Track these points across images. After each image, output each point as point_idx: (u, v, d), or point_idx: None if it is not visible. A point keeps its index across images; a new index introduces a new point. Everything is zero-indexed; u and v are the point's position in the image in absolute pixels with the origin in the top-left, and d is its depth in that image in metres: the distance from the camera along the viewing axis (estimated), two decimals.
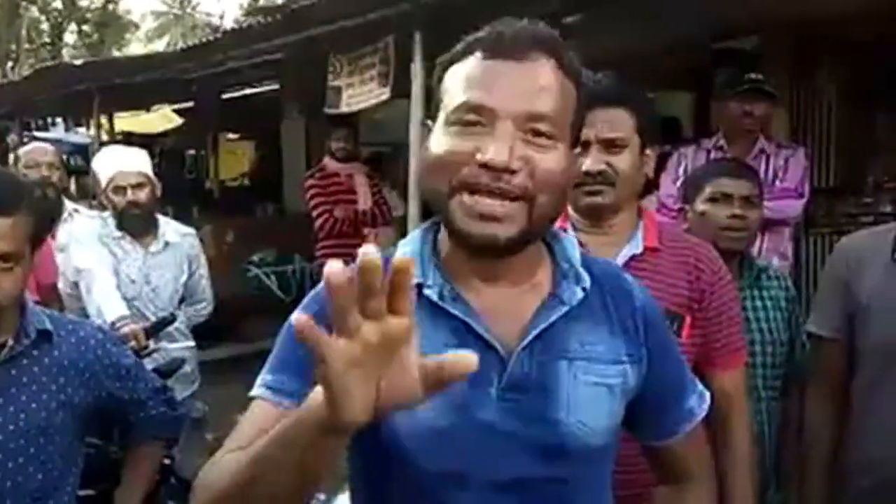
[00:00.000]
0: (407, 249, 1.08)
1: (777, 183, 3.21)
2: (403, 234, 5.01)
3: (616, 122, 1.56)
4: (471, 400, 1.01)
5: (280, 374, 1.03)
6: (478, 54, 1.00)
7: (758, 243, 2.86)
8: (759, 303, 2.09)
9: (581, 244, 1.59)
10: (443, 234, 1.08)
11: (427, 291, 1.03)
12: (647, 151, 1.63)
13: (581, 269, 1.08)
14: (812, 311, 2.00)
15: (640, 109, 1.59)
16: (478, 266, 1.05)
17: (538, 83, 0.98)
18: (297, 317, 0.71)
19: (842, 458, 1.84)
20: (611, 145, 1.56)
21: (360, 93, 4.57)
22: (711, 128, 3.78)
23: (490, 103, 0.97)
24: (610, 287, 1.11)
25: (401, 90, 4.14)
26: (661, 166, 3.24)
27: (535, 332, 1.03)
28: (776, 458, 2.10)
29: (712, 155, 3.28)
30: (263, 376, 1.05)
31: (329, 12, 4.30)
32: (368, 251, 0.70)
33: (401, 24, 4.02)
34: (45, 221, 1.94)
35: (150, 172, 3.12)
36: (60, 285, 3.35)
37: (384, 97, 4.39)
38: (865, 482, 1.77)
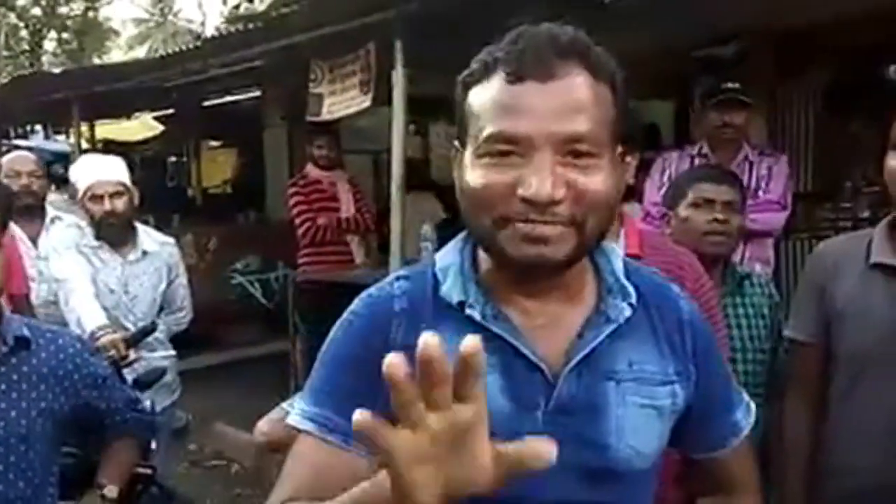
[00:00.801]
0: (446, 263, 1.05)
1: (761, 193, 3.25)
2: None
3: None
4: (516, 423, 0.97)
5: (325, 409, 0.99)
6: (500, 75, 0.93)
7: (741, 251, 2.90)
8: (741, 310, 2.11)
9: None
10: (481, 250, 1.04)
11: (469, 311, 1.00)
12: (629, 159, 1.64)
13: (626, 283, 1.04)
14: (790, 316, 2.02)
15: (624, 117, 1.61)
16: (522, 284, 1.01)
17: (571, 101, 0.92)
18: (390, 362, 0.67)
19: (819, 464, 1.86)
20: None
21: (341, 100, 4.56)
22: (691, 136, 3.82)
23: (524, 131, 0.91)
24: (655, 300, 1.07)
25: (382, 98, 4.14)
26: (643, 173, 3.28)
27: (582, 353, 0.99)
28: (759, 462, 2.11)
29: (696, 162, 3.32)
30: (307, 407, 1.01)
31: (310, 20, 4.29)
32: (428, 341, 0.66)
33: (382, 32, 4.02)
34: (5, 210, 1.95)
35: (127, 181, 3.10)
36: (44, 293, 3.33)
37: (365, 105, 4.38)
38: (839, 488, 1.79)
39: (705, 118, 3.36)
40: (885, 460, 1.71)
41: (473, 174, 0.95)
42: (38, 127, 9.99)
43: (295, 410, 1.02)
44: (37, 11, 24.01)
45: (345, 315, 1.06)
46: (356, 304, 1.06)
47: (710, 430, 1.13)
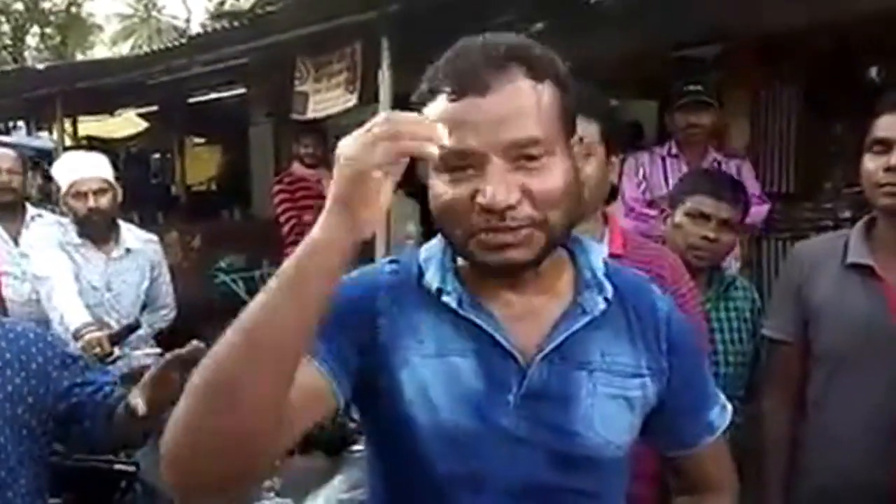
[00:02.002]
0: (429, 254, 1.10)
1: None
2: None
3: (581, 131, 1.59)
4: (489, 405, 1.02)
5: (328, 350, 1.01)
6: (443, 95, 0.98)
7: None
8: (723, 314, 2.13)
9: None
10: None
11: (446, 298, 1.04)
12: (613, 159, 1.66)
13: (604, 279, 1.08)
14: (768, 315, 2.05)
15: (605, 118, 1.61)
16: (499, 279, 1.05)
17: (512, 109, 0.95)
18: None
19: (797, 463, 1.88)
20: None
21: (326, 99, 4.56)
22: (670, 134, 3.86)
23: (471, 145, 0.95)
24: (633, 298, 1.11)
25: (369, 96, 4.14)
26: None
27: (555, 342, 1.04)
28: (737, 463, 2.13)
29: (667, 162, 3.39)
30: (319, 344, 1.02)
31: (295, 18, 4.29)
32: None
33: (368, 31, 4.03)
34: None
35: (111, 178, 3.10)
36: (26, 292, 3.32)
37: (351, 103, 4.39)
38: (816, 487, 1.82)
39: (672, 120, 3.41)
40: (862, 459, 1.74)
41: (439, 189, 1.00)
42: (21, 123, 9.89)
43: None
44: (19, 6, 23.78)
45: (345, 286, 1.07)
46: (352, 273, 1.09)
47: (684, 428, 1.16)
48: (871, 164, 1.76)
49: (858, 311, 1.75)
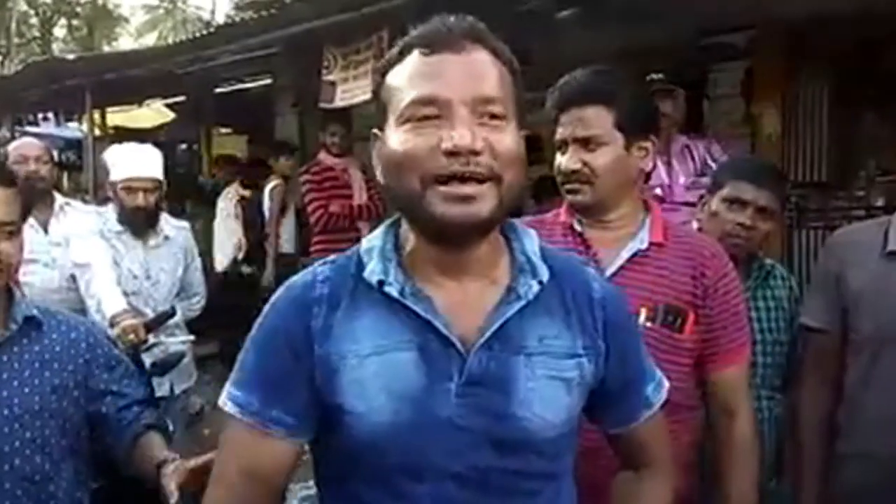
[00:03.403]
0: (370, 245, 1.11)
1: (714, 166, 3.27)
2: None
3: (590, 120, 1.56)
4: (430, 395, 1.04)
5: (250, 394, 1.07)
6: (416, 53, 1.03)
7: None
8: (762, 303, 2.10)
9: (585, 240, 1.61)
10: (405, 231, 1.10)
11: (388, 288, 1.06)
12: (644, 145, 1.62)
13: (539, 263, 1.10)
14: (805, 303, 2.02)
15: (621, 105, 1.57)
16: (442, 260, 1.07)
17: (480, 69, 1.02)
18: None
19: (835, 450, 1.86)
20: (586, 144, 1.56)
21: (354, 87, 4.56)
22: (704, 125, 3.84)
23: (443, 94, 1.00)
24: (569, 280, 1.13)
25: None
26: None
27: (492, 329, 1.05)
28: (778, 453, 2.11)
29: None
30: (234, 391, 1.09)
31: (322, 6, 4.29)
32: None
33: (394, 18, 4.02)
34: (29, 200, 1.97)
35: (161, 176, 3.14)
36: (56, 280, 3.36)
37: None
38: (856, 474, 1.80)
39: None
40: None
41: (397, 140, 1.02)
42: (50, 114, 10.00)
43: (224, 393, 1.10)
44: None
45: (270, 303, 1.12)
46: (279, 292, 1.12)
47: (623, 404, 1.20)
48: None
49: None
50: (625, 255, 1.57)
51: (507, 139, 1.02)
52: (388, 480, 1.05)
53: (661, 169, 3.37)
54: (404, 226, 1.10)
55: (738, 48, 4.42)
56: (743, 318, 1.65)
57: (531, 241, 1.13)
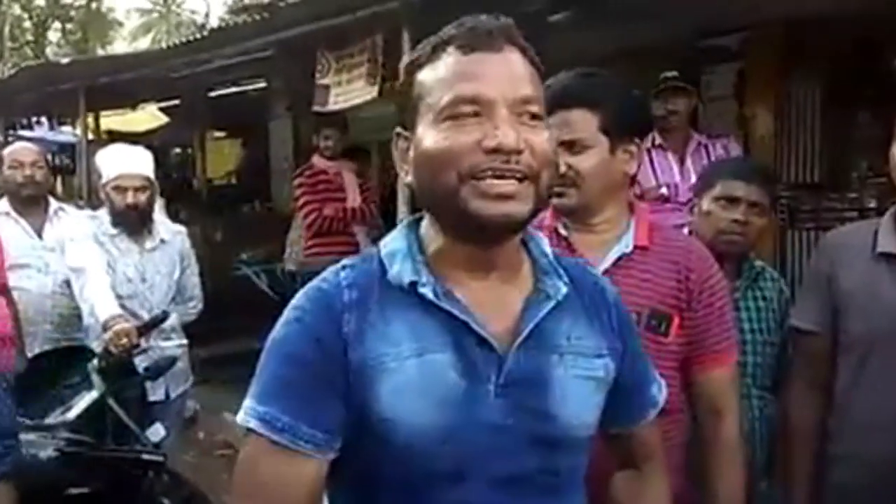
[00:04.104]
0: (393, 248, 1.09)
1: None
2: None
3: (575, 123, 1.56)
4: (470, 396, 1.02)
5: (274, 408, 1.00)
6: (453, 50, 1.03)
7: None
8: (752, 303, 2.11)
9: (570, 244, 1.61)
10: (426, 231, 1.09)
11: (422, 289, 1.03)
12: (629, 148, 1.62)
13: (558, 265, 1.12)
14: (796, 305, 2.03)
15: (606, 107, 1.57)
16: (470, 259, 1.05)
17: (519, 69, 1.03)
18: None
19: (825, 452, 1.87)
20: (571, 147, 1.56)
21: (348, 91, 4.56)
22: (699, 126, 3.85)
23: (486, 93, 1.00)
24: (584, 284, 1.15)
25: (389, 89, 4.15)
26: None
27: (529, 327, 1.05)
28: (769, 454, 2.11)
29: (652, 153, 3.38)
30: (256, 406, 1.01)
31: (316, 10, 4.29)
32: None
33: (389, 22, 4.02)
34: None
35: (152, 176, 3.15)
36: (50, 284, 3.36)
37: (372, 95, 4.39)
38: (845, 476, 1.80)
39: (652, 109, 3.42)
40: (892, 450, 1.71)
41: (436, 138, 1.01)
42: (44, 118, 9.98)
43: (244, 408, 1.03)
44: (41, 2, 23.99)
45: (291, 310, 1.06)
46: (303, 298, 1.07)
47: (633, 403, 1.22)
48: None
49: (889, 299, 1.73)
50: (609, 259, 1.57)
51: (545, 140, 1.03)
52: (423, 488, 1.02)
53: (674, 167, 3.38)
54: (424, 227, 1.09)
55: (730, 50, 4.43)
56: (729, 321, 1.65)
57: (546, 245, 1.14)
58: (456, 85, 1.01)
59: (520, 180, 0.99)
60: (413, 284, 1.03)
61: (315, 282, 1.09)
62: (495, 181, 0.99)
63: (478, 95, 1.00)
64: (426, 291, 1.03)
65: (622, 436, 1.24)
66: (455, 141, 0.99)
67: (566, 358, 1.08)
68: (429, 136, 1.02)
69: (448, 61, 1.03)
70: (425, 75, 1.04)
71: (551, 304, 1.07)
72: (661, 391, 1.25)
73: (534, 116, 1.02)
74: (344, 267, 1.09)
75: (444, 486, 1.02)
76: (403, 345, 1.01)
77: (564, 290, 1.09)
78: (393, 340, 1.02)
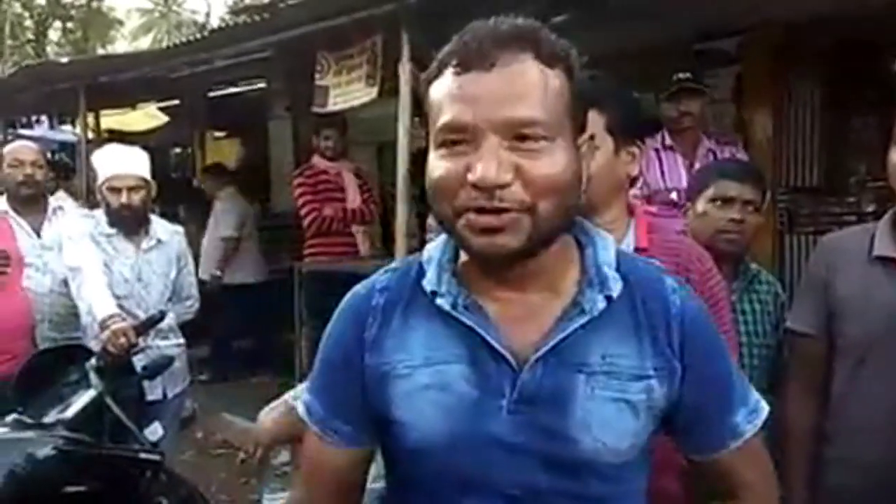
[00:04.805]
0: (430, 255, 1.09)
1: None
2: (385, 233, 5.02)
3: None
4: (480, 410, 1.01)
5: (319, 403, 1.13)
6: (449, 70, 0.97)
7: None
8: (748, 306, 2.13)
9: None
10: None
11: (440, 301, 1.03)
12: (632, 150, 1.64)
13: (610, 275, 1.04)
14: (792, 308, 2.03)
15: (611, 109, 1.58)
16: (495, 273, 1.03)
17: (514, 86, 0.94)
18: None
19: (821, 455, 1.87)
20: None
21: (347, 92, 4.56)
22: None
23: (468, 119, 0.94)
24: (644, 294, 1.05)
25: (389, 90, 4.15)
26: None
27: (550, 344, 1.00)
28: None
29: (662, 154, 3.36)
30: (309, 398, 1.14)
31: (315, 11, 4.29)
32: None
33: (388, 24, 4.02)
34: None
35: (147, 175, 3.16)
36: (48, 283, 3.36)
37: (371, 97, 4.39)
38: (841, 479, 1.81)
39: (662, 110, 3.39)
40: (885, 453, 1.72)
41: (433, 165, 0.99)
42: (44, 117, 9.98)
43: (301, 398, 1.15)
44: (41, 1, 23.98)
45: (338, 309, 1.14)
46: (346, 299, 1.14)
47: (707, 431, 1.10)
48: None
49: (884, 303, 1.74)
50: None
51: (546, 165, 0.94)
52: (436, 493, 1.04)
53: (682, 170, 3.35)
54: None
55: (728, 54, 4.43)
56: (728, 322, 1.65)
57: (606, 250, 1.06)
58: (446, 110, 0.96)
59: (509, 212, 0.94)
60: (434, 294, 1.04)
61: (360, 283, 1.14)
62: (479, 217, 0.95)
63: (463, 123, 0.95)
64: (443, 303, 1.03)
65: (707, 464, 1.12)
66: (446, 171, 0.97)
67: (595, 378, 1.01)
68: (430, 160, 1.00)
69: (444, 82, 0.98)
70: (433, 91, 1.00)
71: (583, 319, 1.01)
72: (751, 419, 1.11)
73: (530, 138, 0.94)
74: (387, 270, 1.12)
75: (455, 496, 1.03)
76: (417, 352, 1.03)
77: (601, 305, 1.02)
78: (408, 347, 1.04)
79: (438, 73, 1.00)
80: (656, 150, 3.36)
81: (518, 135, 0.94)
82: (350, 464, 1.13)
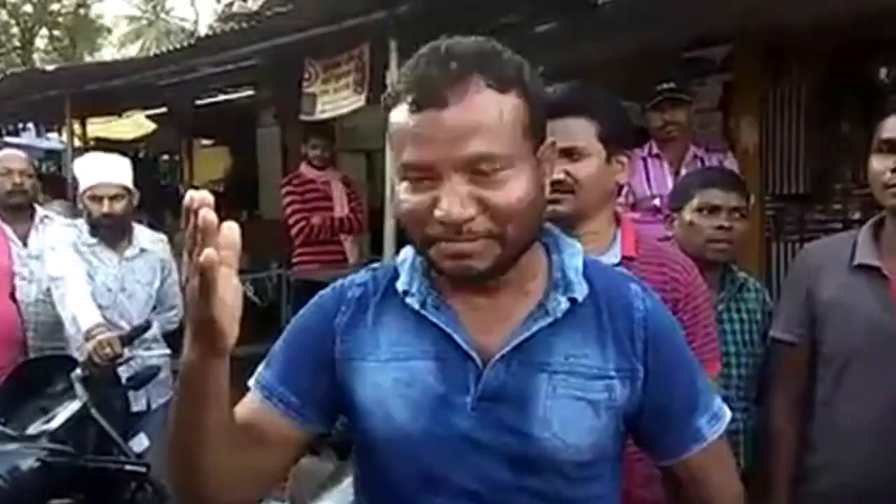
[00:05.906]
0: (405, 256, 1.12)
1: None
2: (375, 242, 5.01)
3: (574, 131, 1.57)
4: (446, 406, 1.04)
5: (271, 374, 1.12)
6: (405, 106, 0.98)
7: None
8: (735, 315, 2.13)
9: None
10: None
11: (409, 300, 1.07)
12: (622, 159, 1.65)
13: (575, 279, 1.07)
14: (775, 316, 2.04)
15: (604, 117, 1.59)
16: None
17: (469, 123, 0.95)
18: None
19: (804, 462, 1.88)
20: (569, 154, 1.57)
21: (334, 100, 4.57)
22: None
23: (427, 160, 0.96)
24: (609, 298, 1.09)
25: (376, 98, 4.15)
26: None
27: (513, 343, 1.04)
28: (754, 465, 2.12)
29: (648, 162, 3.38)
30: (262, 370, 1.14)
31: (304, 19, 4.30)
32: (195, 196, 0.93)
33: (376, 32, 4.03)
34: None
35: (129, 184, 3.14)
36: (34, 293, 3.34)
37: (359, 105, 4.39)
38: (825, 486, 1.82)
39: (648, 120, 3.42)
40: (868, 460, 1.73)
41: (402, 196, 1.02)
42: (30, 124, 9.93)
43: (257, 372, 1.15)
44: (28, 8, 23.89)
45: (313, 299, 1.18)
46: (324, 290, 1.17)
47: (669, 435, 1.12)
48: (879, 164, 1.77)
49: (865, 311, 1.75)
50: None
51: (508, 193, 0.97)
52: (402, 488, 1.06)
53: (668, 178, 3.37)
54: None
55: (714, 62, 4.46)
56: (713, 332, 1.66)
57: (573, 257, 1.10)
58: (406, 150, 0.98)
59: (477, 239, 0.98)
60: (405, 293, 1.08)
61: (341, 279, 1.18)
62: (449, 245, 0.98)
63: (423, 163, 0.97)
64: (412, 302, 1.07)
65: (676, 469, 1.14)
66: (413, 205, 1.00)
67: (558, 377, 1.03)
68: (399, 190, 1.02)
69: (400, 119, 0.98)
70: (393, 119, 1.01)
71: (548, 320, 1.04)
72: (714, 424, 1.12)
73: (491, 172, 0.96)
74: (370, 269, 1.17)
75: (421, 492, 1.04)
76: (386, 347, 1.07)
77: (564, 306, 1.05)
78: (377, 342, 1.08)
79: (395, 103, 1.00)
80: (643, 159, 3.38)
81: (478, 169, 0.96)
82: (294, 438, 1.09)
